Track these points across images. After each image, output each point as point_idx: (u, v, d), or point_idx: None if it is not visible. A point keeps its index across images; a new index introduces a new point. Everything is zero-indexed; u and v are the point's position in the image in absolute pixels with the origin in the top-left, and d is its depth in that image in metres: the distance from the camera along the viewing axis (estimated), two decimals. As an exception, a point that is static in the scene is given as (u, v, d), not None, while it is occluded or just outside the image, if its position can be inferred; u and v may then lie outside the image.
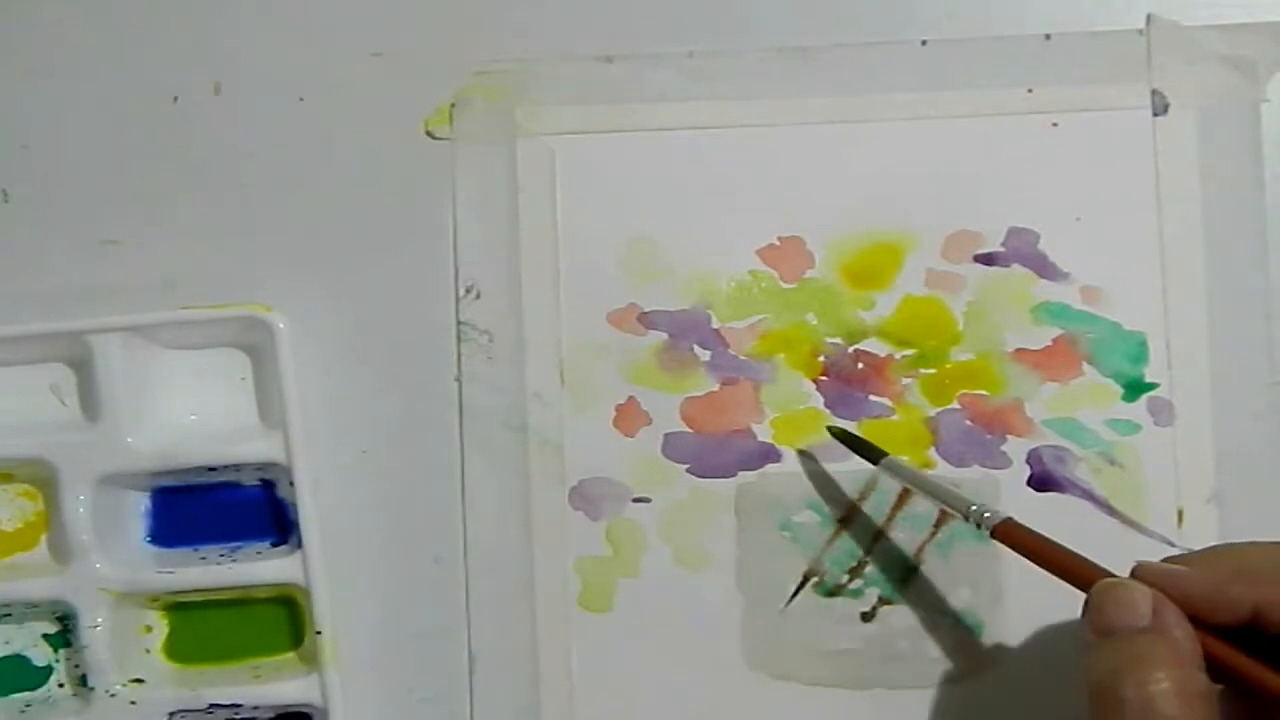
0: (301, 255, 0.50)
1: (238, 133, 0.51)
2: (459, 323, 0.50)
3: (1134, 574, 0.39)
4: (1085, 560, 0.41)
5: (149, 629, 0.50)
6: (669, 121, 0.50)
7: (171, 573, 0.49)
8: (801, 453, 0.49)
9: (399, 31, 0.51)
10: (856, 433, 0.49)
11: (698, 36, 0.50)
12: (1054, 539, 0.43)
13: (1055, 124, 0.50)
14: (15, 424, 0.49)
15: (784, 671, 0.49)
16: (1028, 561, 0.43)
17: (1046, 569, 0.42)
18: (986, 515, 0.43)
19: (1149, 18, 0.50)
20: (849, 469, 0.49)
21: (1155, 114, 0.50)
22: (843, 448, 0.49)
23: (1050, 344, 0.49)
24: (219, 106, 0.51)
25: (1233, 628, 0.38)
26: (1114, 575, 0.40)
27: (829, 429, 0.49)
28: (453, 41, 0.51)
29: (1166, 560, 0.41)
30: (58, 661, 0.50)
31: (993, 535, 0.43)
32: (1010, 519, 0.43)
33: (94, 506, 0.48)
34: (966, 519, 0.44)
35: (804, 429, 0.49)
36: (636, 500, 0.50)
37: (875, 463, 0.48)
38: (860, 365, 0.50)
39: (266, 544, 0.50)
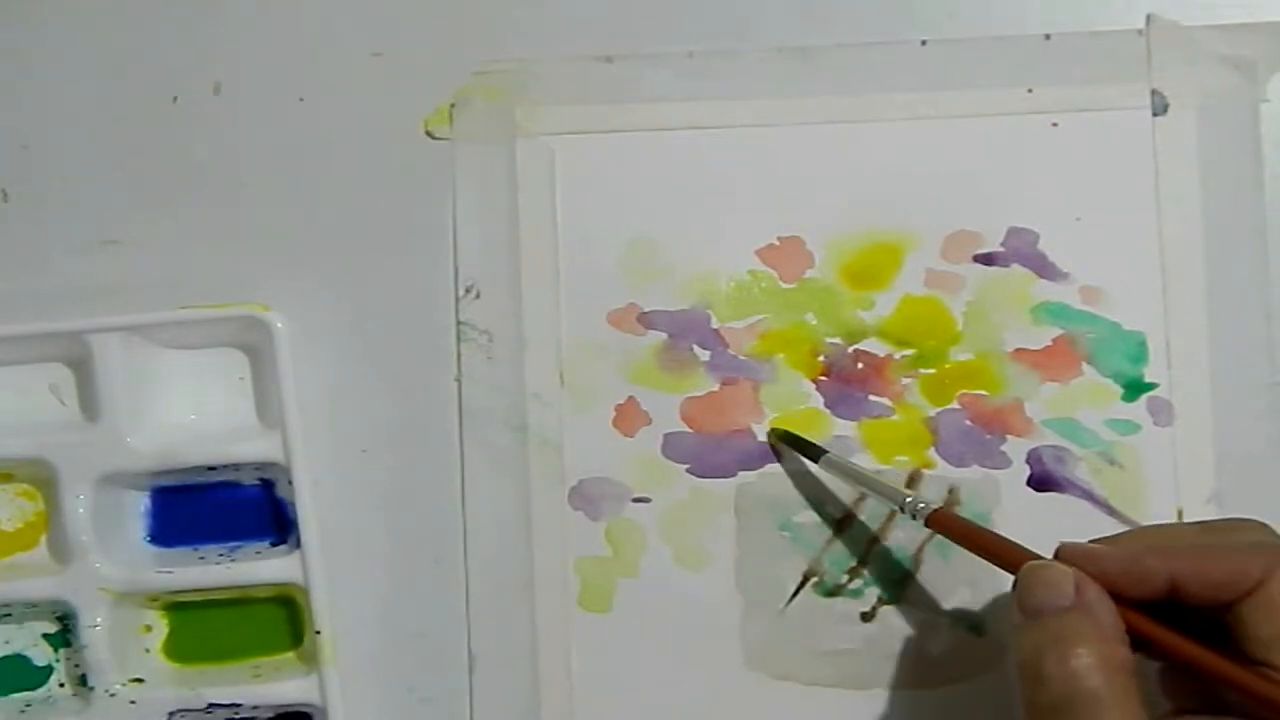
0: (301, 255, 0.50)
1: (238, 133, 0.51)
2: (459, 323, 0.50)
3: (1057, 554, 0.40)
4: (1013, 544, 0.42)
5: (149, 629, 0.50)
6: (669, 121, 0.50)
7: (171, 572, 0.49)
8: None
9: (399, 31, 0.51)
10: (797, 435, 0.49)
11: (698, 36, 0.50)
12: (985, 527, 0.44)
13: (1055, 124, 0.50)
14: (15, 424, 0.49)
15: (784, 671, 0.49)
16: None
17: (978, 554, 0.43)
18: (921, 506, 0.44)
19: (1149, 18, 0.50)
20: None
21: (1155, 114, 0.50)
22: (842, 447, 0.49)
23: (1050, 344, 0.49)
24: (219, 106, 0.51)
25: (1153, 601, 0.38)
26: (1041, 558, 0.40)
27: (770, 430, 0.49)
28: (453, 41, 0.51)
29: (1100, 542, 0.42)
30: (58, 661, 0.50)
31: (926, 524, 0.44)
32: (942, 508, 0.44)
33: (94, 506, 0.48)
34: (902, 510, 0.45)
35: (804, 429, 0.49)
36: (636, 500, 0.50)
37: (815, 460, 0.48)
38: (860, 365, 0.50)
39: (266, 544, 0.50)
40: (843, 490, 0.49)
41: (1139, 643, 0.38)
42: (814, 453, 0.48)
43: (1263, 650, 0.37)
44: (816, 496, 0.49)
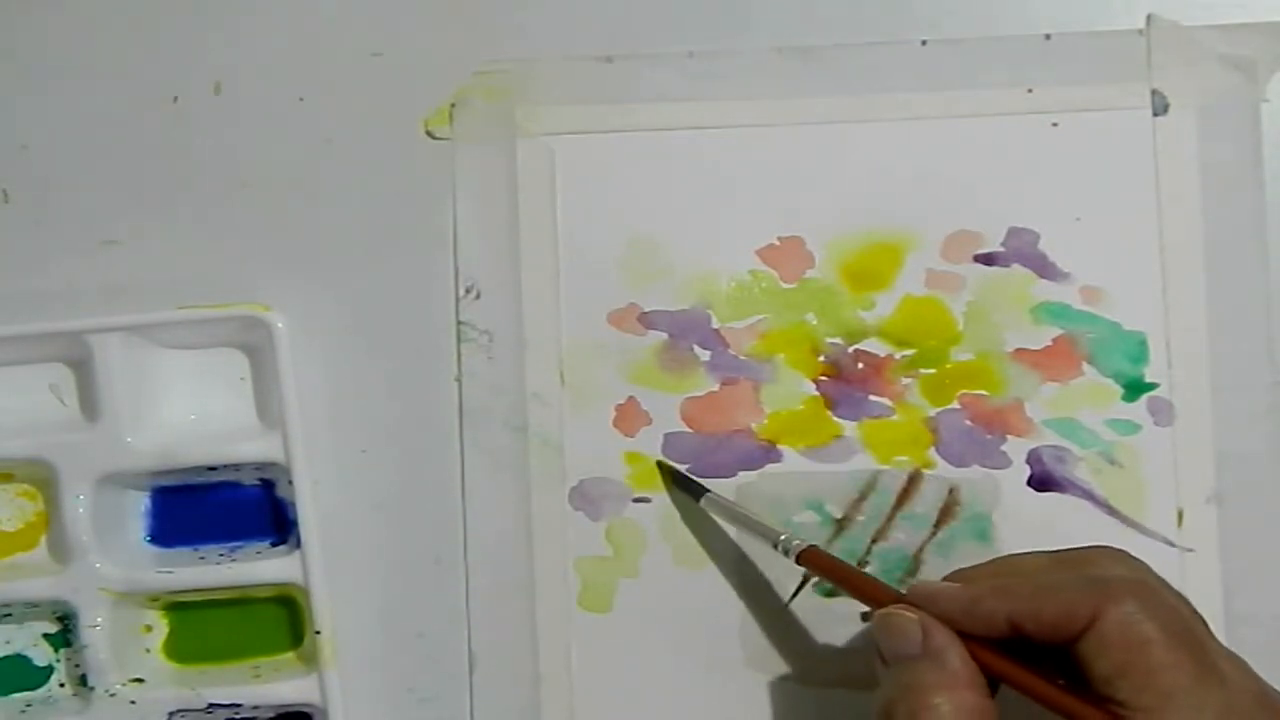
0: (301, 255, 0.50)
1: (238, 133, 0.51)
2: (459, 323, 0.50)
3: (909, 593, 0.41)
4: (878, 584, 0.43)
5: (149, 629, 0.50)
6: (669, 121, 0.50)
7: (171, 572, 0.49)
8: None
9: (399, 31, 0.51)
10: (680, 470, 0.49)
11: (698, 36, 0.50)
12: (851, 565, 0.46)
13: (1055, 124, 0.50)
14: (15, 424, 0.50)
15: (784, 671, 0.49)
16: None
17: (846, 591, 0.44)
18: (795, 544, 0.45)
19: (1149, 18, 0.50)
20: (849, 469, 0.49)
21: (1155, 114, 0.50)
22: (842, 447, 0.49)
23: (1050, 344, 0.49)
24: (219, 106, 0.51)
25: (1001, 640, 0.39)
26: (903, 598, 0.41)
27: (658, 463, 0.50)
28: (453, 41, 0.51)
29: (954, 576, 0.42)
30: (58, 661, 0.50)
31: (797, 561, 0.44)
32: (813, 546, 0.44)
33: (94, 506, 0.48)
34: (775, 547, 0.45)
35: (804, 429, 0.49)
36: (636, 500, 0.50)
37: (698, 499, 0.48)
38: (860, 365, 0.50)
39: (266, 544, 0.50)
40: (842, 490, 0.49)
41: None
42: (696, 491, 0.48)
43: (1105, 687, 0.37)
44: (816, 497, 0.49)
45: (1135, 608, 0.37)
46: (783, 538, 0.45)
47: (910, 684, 0.38)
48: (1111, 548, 0.41)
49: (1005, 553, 0.48)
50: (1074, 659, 0.37)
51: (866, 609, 0.49)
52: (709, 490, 0.48)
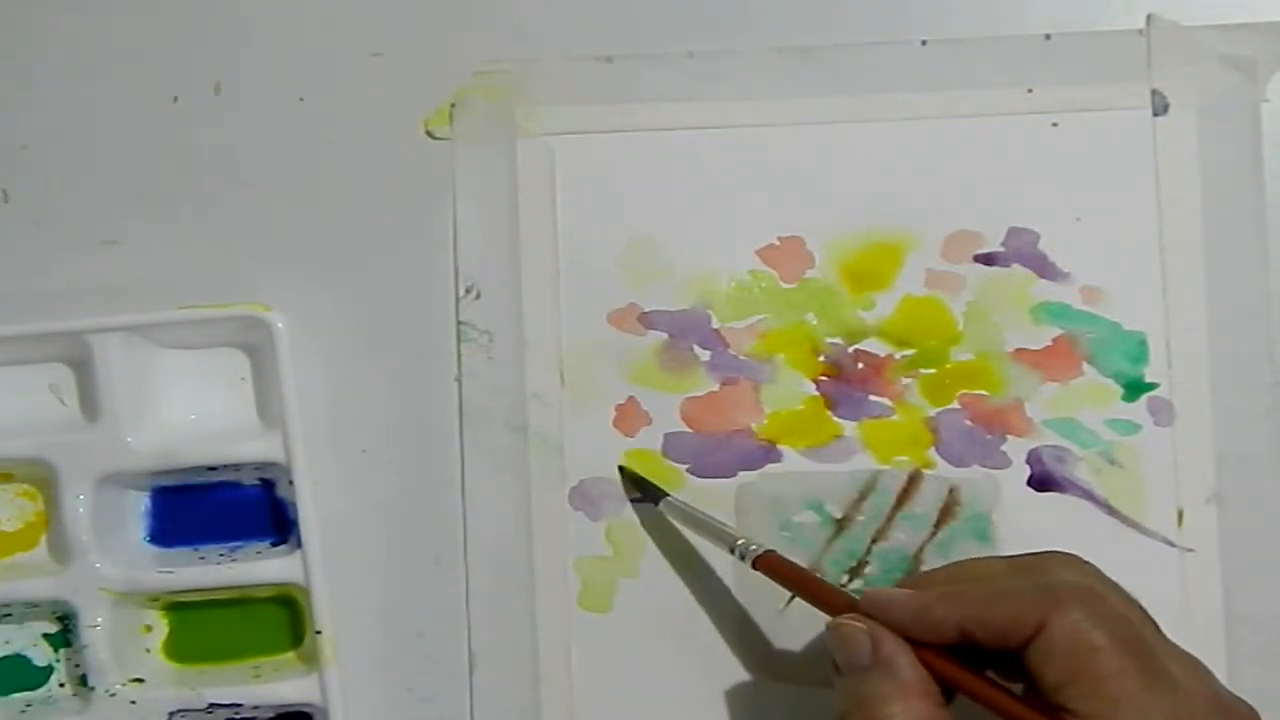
0: (301, 255, 0.50)
1: (238, 133, 0.51)
2: (459, 323, 0.50)
3: (861, 600, 0.41)
4: (834, 590, 0.43)
5: (149, 629, 0.50)
6: (669, 121, 0.50)
7: (171, 572, 0.49)
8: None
9: (399, 31, 0.51)
10: (640, 476, 0.49)
11: (698, 36, 0.50)
12: (807, 570, 0.46)
13: (1055, 124, 0.50)
14: (15, 424, 0.49)
15: (784, 671, 0.49)
16: None
17: (803, 598, 0.44)
18: (751, 548, 0.45)
19: (1149, 18, 0.50)
20: (849, 469, 0.49)
21: (1155, 114, 0.50)
22: (842, 447, 0.49)
23: (1050, 344, 0.49)
24: (219, 106, 0.51)
25: (953, 646, 0.39)
26: (856, 605, 0.41)
27: (620, 466, 0.50)
28: (453, 41, 0.51)
29: (907, 582, 0.42)
30: (58, 661, 0.50)
31: (754, 566, 0.45)
32: (770, 551, 0.45)
33: (94, 506, 0.48)
34: (732, 553, 0.46)
35: (804, 429, 0.49)
36: (636, 500, 0.50)
37: (657, 503, 0.48)
38: (860, 365, 0.50)
39: (266, 544, 0.50)
40: (842, 490, 0.49)
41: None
42: (655, 495, 0.49)
43: (1055, 694, 0.37)
44: (816, 497, 0.49)
45: (1082, 615, 0.37)
46: (739, 542, 0.45)
47: (862, 695, 0.39)
48: (1066, 554, 0.41)
49: (1005, 553, 0.48)
50: (1024, 666, 0.37)
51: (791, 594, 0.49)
52: (668, 494, 0.48)
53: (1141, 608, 0.39)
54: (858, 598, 0.41)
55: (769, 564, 0.44)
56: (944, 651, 0.39)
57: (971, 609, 0.38)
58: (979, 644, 0.38)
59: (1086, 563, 0.40)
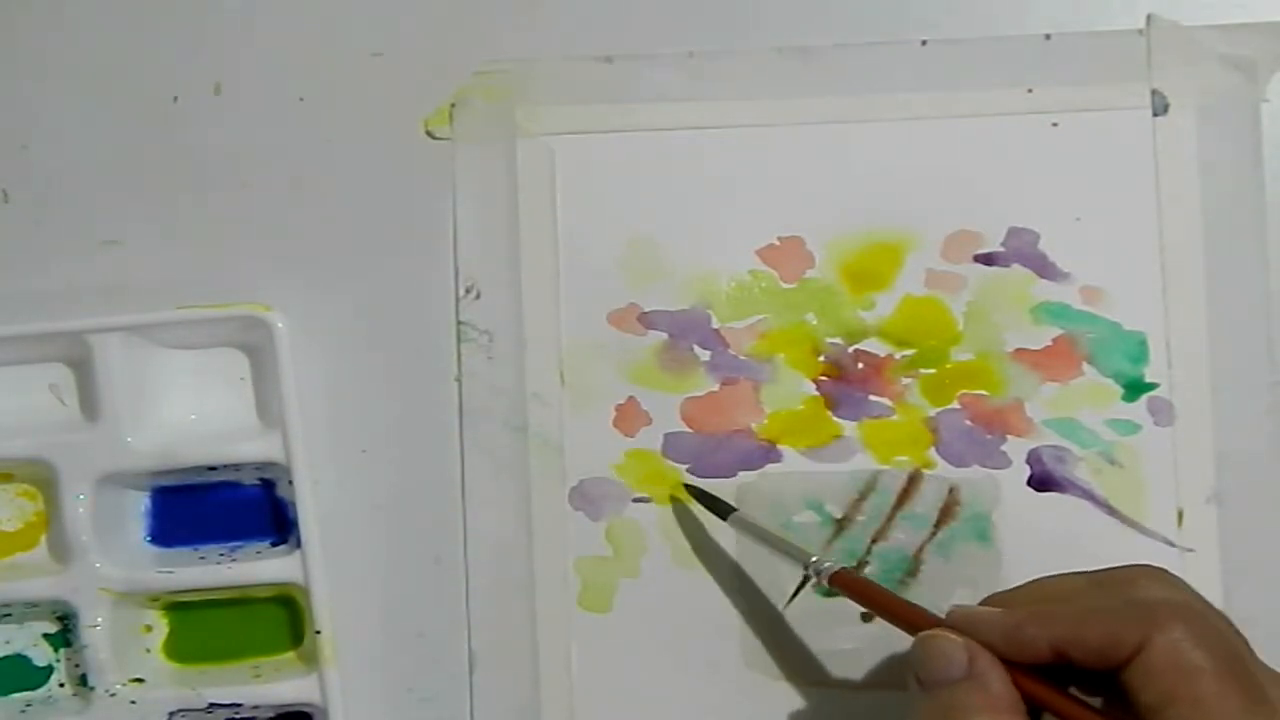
0: (301, 255, 0.50)
1: (238, 133, 0.51)
2: (459, 323, 0.50)
3: (947, 617, 0.40)
4: (913, 607, 0.42)
5: (149, 628, 0.50)
6: (669, 121, 0.50)
7: (171, 572, 0.49)
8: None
9: (399, 31, 0.51)
10: (710, 491, 0.49)
11: (698, 36, 0.50)
12: (885, 587, 0.45)
13: (1055, 124, 0.50)
14: (15, 424, 0.50)
15: (784, 671, 0.49)
16: (1028, 562, 0.44)
17: (879, 615, 0.43)
18: (825, 565, 0.44)
19: (1149, 18, 0.50)
20: (849, 469, 0.49)
21: (1155, 114, 0.50)
22: (842, 447, 0.49)
23: (1050, 344, 0.49)
24: (219, 106, 0.51)
25: (1045, 665, 0.38)
26: (941, 621, 0.40)
27: (685, 485, 0.49)
28: (453, 41, 0.51)
29: (991, 600, 0.41)
30: (58, 661, 0.50)
31: (830, 584, 0.44)
32: (845, 569, 0.44)
33: (94, 506, 0.48)
34: (806, 569, 0.45)
35: (804, 429, 0.49)
36: (636, 500, 0.50)
37: (724, 518, 0.48)
38: (860, 365, 0.50)
39: (266, 543, 0.50)
40: (842, 490, 0.49)
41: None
42: (723, 510, 0.48)
43: (1152, 715, 0.36)
44: (816, 497, 0.49)
45: (1183, 634, 0.36)
46: (813, 561, 0.45)
47: (952, 706, 0.38)
48: (1152, 567, 0.40)
49: (1005, 553, 0.48)
50: (1119, 685, 0.37)
51: (865, 610, 0.49)
52: (736, 509, 0.48)
53: (1232, 625, 0.39)
54: (941, 615, 0.41)
55: (845, 582, 0.44)
56: (1032, 670, 0.38)
57: (1065, 628, 0.37)
58: (1072, 663, 0.37)
59: (1174, 577, 0.39)
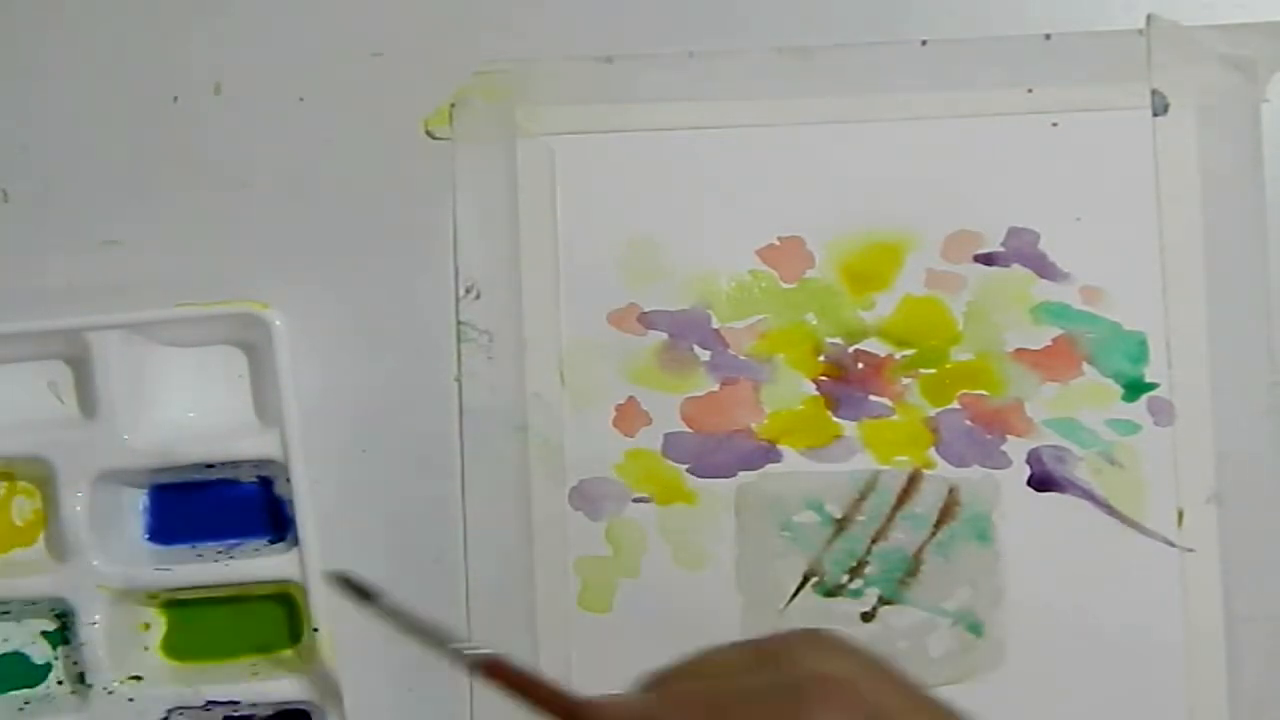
0: (301, 255, 0.50)
1: (238, 133, 0.51)
2: (459, 323, 0.50)
3: (580, 709, 0.37)
4: (563, 697, 0.38)
5: (147, 626, 0.50)
6: (669, 121, 0.50)
7: (169, 570, 0.49)
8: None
9: (399, 31, 0.51)
10: (352, 577, 0.44)
11: (698, 36, 0.50)
12: (536, 675, 0.38)
13: (1055, 124, 0.50)
14: (13, 422, 0.50)
15: (783, 671, 0.49)
16: (1027, 562, 0.44)
17: (526, 707, 0.38)
18: (472, 652, 0.39)
19: (1149, 18, 0.50)
20: (849, 469, 0.49)
21: (1155, 114, 0.50)
22: (842, 447, 0.49)
23: (1050, 344, 0.49)
24: (219, 106, 0.51)
25: None
26: (588, 704, 0.37)
27: (324, 574, 0.46)
28: (453, 41, 0.51)
29: (649, 677, 0.38)
30: (56, 659, 0.50)
31: (479, 673, 0.38)
32: (493, 656, 0.38)
33: (92, 504, 0.48)
34: (452, 657, 0.40)
35: (804, 429, 0.49)
36: (636, 500, 0.49)
37: (369, 603, 0.43)
38: (860, 365, 0.50)
39: (264, 541, 0.50)
40: (842, 490, 0.49)
41: None
42: (366, 595, 0.43)
43: None
44: (816, 496, 0.49)
45: (827, 715, 0.33)
46: (455, 645, 0.40)
47: None
48: (815, 633, 0.36)
49: (1005, 553, 0.48)
50: None
51: (867, 609, 0.49)
52: (382, 595, 0.43)
53: (887, 664, 0.36)
54: (585, 701, 0.37)
55: (495, 670, 0.38)
56: None
57: (708, 715, 0.34)
58: None
59: (835, 639, 0.36)
